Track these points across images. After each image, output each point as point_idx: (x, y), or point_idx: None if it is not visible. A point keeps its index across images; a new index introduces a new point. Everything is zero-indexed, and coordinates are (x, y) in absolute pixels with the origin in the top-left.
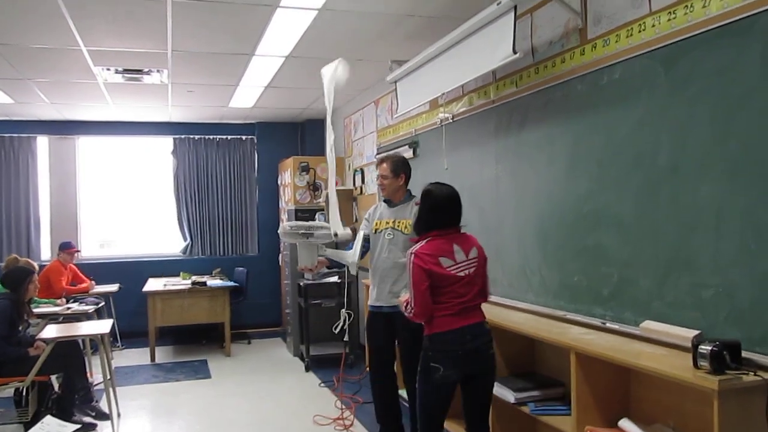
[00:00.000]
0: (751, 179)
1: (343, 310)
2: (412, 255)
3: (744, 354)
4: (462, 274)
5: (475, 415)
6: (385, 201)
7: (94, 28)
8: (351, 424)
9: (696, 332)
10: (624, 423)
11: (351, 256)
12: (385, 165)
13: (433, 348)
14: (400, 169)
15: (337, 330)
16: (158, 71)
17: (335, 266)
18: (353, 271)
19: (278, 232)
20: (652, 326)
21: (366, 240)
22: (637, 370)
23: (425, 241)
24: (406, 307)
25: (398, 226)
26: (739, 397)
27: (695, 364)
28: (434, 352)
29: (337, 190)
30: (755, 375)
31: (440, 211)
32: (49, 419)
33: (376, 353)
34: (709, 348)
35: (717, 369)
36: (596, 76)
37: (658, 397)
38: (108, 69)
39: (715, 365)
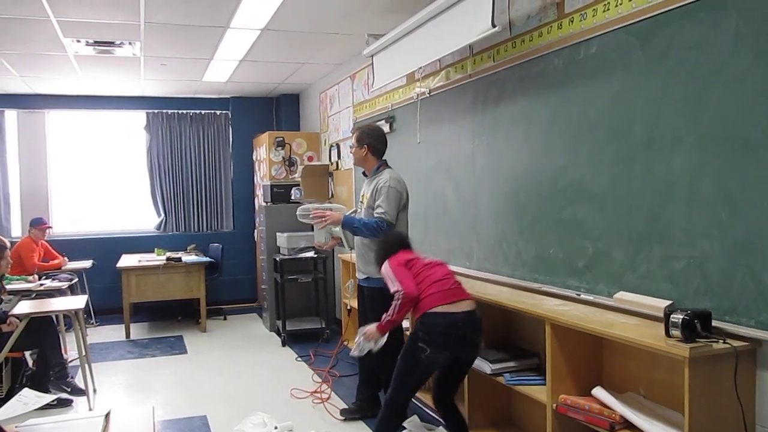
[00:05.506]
0: (723, 152)
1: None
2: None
3: (714, 323)
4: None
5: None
6: (363, 174)
7: None
8: (328, 397)
9: (668, 302)
10: (597, 391)
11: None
12: (354, 134)
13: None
14: (364, 139)
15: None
16: (130, 43)
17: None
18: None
19: (297, 213)
20: (625, 297)
21: None
22: (611, 339)
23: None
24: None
25: (362, 199)
26: (709, 364)
27: (667, 333)
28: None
29: (312, 166)
30: (724, 343)
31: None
32: (26, 391)
33: (359, 320)
34: (681, 317)
35: (688, 337)
36: (573, 51)
37: (630, 366)
38: (78, 41)
39: (687, 334)
